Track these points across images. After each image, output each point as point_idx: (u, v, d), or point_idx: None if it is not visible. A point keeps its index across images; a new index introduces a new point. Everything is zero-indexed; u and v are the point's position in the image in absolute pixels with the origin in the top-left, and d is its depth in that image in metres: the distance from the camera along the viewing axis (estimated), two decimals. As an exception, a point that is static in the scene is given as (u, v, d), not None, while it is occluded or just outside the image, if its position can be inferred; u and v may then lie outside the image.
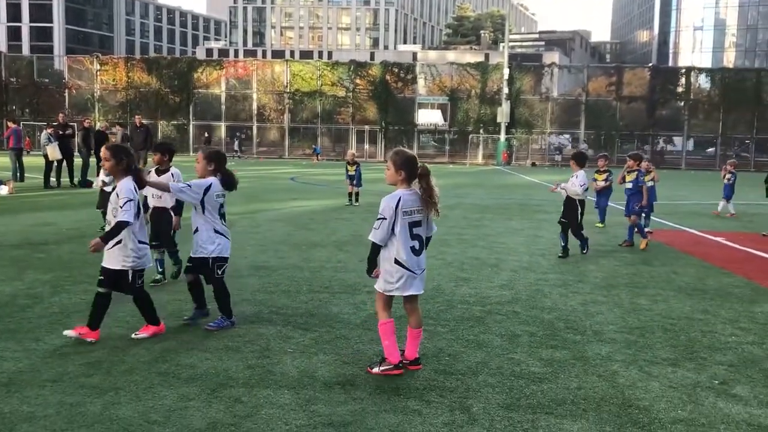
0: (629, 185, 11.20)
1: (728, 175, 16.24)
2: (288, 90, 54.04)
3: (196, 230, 5.79)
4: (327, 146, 55.88)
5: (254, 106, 55.04)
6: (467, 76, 53.28)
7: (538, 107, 52.90)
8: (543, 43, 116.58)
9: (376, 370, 4.71)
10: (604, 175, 13.45)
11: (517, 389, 4.49)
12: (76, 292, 6.87)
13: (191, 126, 54.45)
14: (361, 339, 5.53)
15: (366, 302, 6.72)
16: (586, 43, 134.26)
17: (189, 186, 5.68)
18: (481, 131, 51.82)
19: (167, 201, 7.20)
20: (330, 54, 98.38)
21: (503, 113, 47.71)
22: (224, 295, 5.80)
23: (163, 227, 7.32)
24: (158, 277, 7.45)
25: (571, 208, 9.94)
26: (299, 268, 8.42)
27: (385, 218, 4.60)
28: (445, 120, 53.15)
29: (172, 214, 7.33)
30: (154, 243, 6.99)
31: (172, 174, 7.23)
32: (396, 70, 54.14)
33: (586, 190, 10.08)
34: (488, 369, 4.88)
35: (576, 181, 9.89)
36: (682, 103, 52.88)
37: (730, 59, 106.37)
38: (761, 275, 8.83)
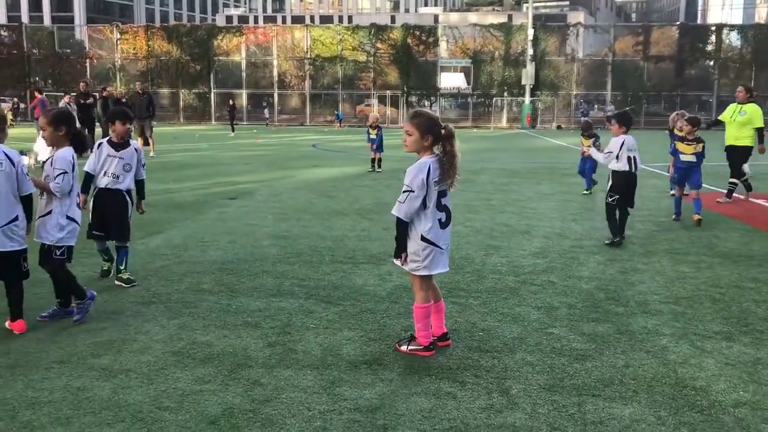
0: (691, 157, 9.25)
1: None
2: (308, 56, 53.36)
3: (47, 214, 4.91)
4: (348, 112, 55.30)
5: (275, 72, 54.49)
6: (490, 37, 52.12)
7: (563, 68, 51.66)
8: (567, 2, 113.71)
9: (404, 348, 4.37)
10: (590, 141, 12.44)
11: (559, 368, 4.13)
12: (90, 265, 6.59)
13: (212, 94, 54.11)
14: (388, 313, 5.19)
15: (392, 273, 6.37)
16: (611, 2, 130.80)
17: (65, 173, 4.84)
18: (505, 94, 50.85)
19: (126, 182, 5.88)
20: (350, 18, 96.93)
21: (528, 75, 46.69)
22: (68, 279, 5.05)
23: (115, 214, 5.86)
24: (106, 267, 6.18)
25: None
26: (321, 237, 8.09)
27: (412, 191, 4.10)
28: (468, 83, 52.18)
29: (127, 197, 5.93)
30: (96, 232, 5.87)
31: (135, 149, 5.96)
32: (417, 33, 53.12)
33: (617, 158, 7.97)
34: (526, 345, 4.52)
35: (609, 146, 8.10)
36: (712, 62, 51.34)
37: (761, 15, 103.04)
38: (810, 239, 8.32)
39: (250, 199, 11.45)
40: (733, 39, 52.12)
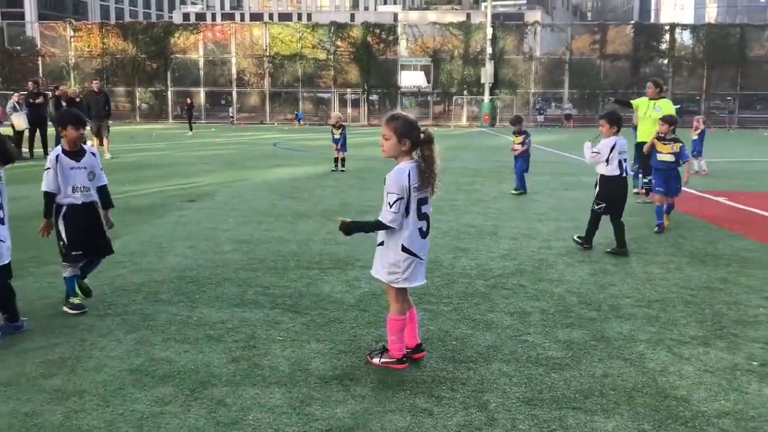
0: (668, 157, 8.68)
1: (697, 131, 15.73)
2: (268, 54, 52.77)
3: None
4: (309, 110, 54.88)
5: (233, 70, 53.74)
6: (450, 36, 52.28)
7: (521, 67, 52.08)
8: (525, 1, 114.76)
9: (376, 361, 4.18)
10: (521, 138, 12.57)
11: (537, 379, 3.99)
12: (41, 275, 6.25)
13: (170, 92, 53.13)
14: (357, 322, 4.99)
15: (360, 278, 6.18)
16: (567, 1, 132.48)
17: None
18: (465, 93, 51.02)
19: (93, 192, 5.38)
20: (309, 16, 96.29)
21: (487, 74, 46.91)
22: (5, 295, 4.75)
23: (98, 228, 5.44)
24: (85, 285, 5.55)
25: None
26: (285, 241, 7.85)
27: (401, 197, 3.86)
28: (428, 82, 52.24)
29: (100, 208, 5.49)
30: (77, 252, 5.27)
31: (93, 154, 5.42)
32: (377, 32, 52.96)
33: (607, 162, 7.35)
34: (502, 355, 4.38)
35: (598, 147, 7.47)
36: (666, 61, 52.33)
37: (711, 16, 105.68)
38: (773, 237, 8.38)
39: (210, 201, 11.13)
40: (686, 38, 53.25)
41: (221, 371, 4.07)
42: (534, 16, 74.64)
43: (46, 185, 5.19)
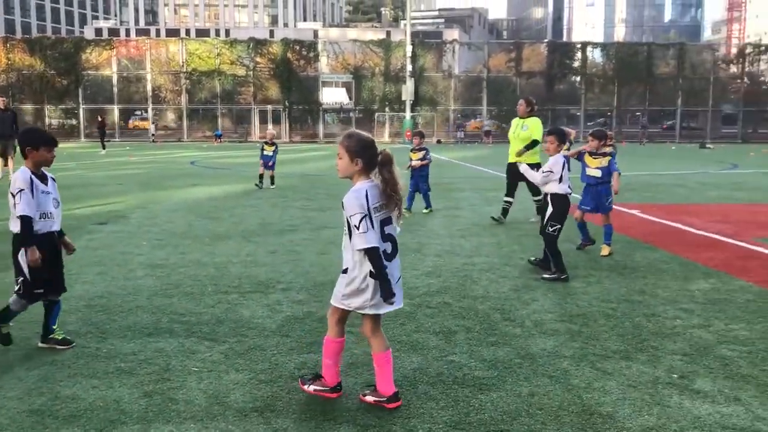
0: (596, 172, 8.40)
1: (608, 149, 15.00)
2: (185, 70, 51.73)
3: None
4: (228, 127, 54.04)
5: (149, 87, 52.39)
6: (370, 53, 52.71)
7: (441, 84, 53.03)
8: (443, 20, 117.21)
9: (308, 387, 3.99)
10: (420, 154, 11.95)
11: (464, 401, 3.91)
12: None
13: (81, 110, 51.28)
14: (279, 349, 4.80)
15: (282, 302, 5.98)
16: (484, 20, 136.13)
17: None
18: (387, 109, 51.47)
19: (57, 221, 4.86)
20: (228, 32, 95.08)
21: (407, 91, 47.40)
22: None
23: (59, 262, 4.96)
24: (5, 330, 4.82)
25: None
26: (203, 265, 7.55)
27: (365, 214, 3.63)
28: (350, 98, 52.39)
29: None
30: (37, 291, 4.72)
31: (53, 179, 4.87)
32: (298, 48, 52.86)
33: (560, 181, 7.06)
34: (427, 377, 4.28)
35: (548, 165, 7.07)
36: (579, 78, 54.35)
37: (619, 35, 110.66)
38: (684, 248, 8.68)
39: (123, 223, 10.66)
40: (597, 56, 55.50)
41: (132, 407, 3.80)
42: (452, 34, 76.20)
43: (22, 209, 4.51)
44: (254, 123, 52.54)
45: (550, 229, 7.05)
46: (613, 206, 8.63)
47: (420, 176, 11.99)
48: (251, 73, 52.29)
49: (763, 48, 56.08)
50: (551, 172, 6.96)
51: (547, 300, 6.15)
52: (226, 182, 17.84)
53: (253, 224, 10.55)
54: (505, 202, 10.92)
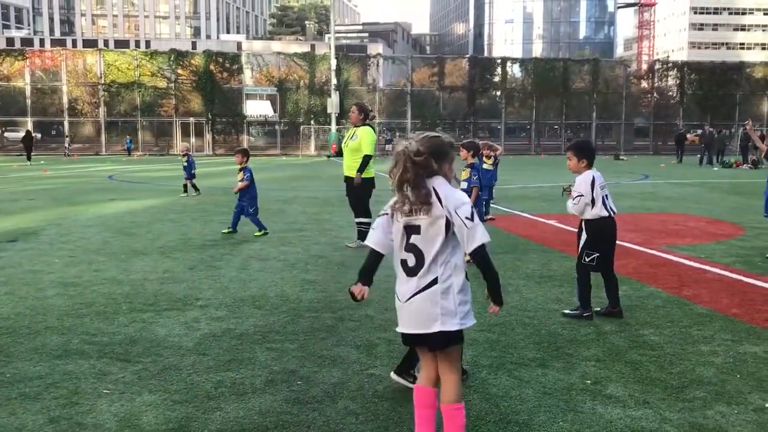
0: (464, 184, 8.42)
1: (490, 160, 13.40)
2: (102, 81, 50.19)
3: None
4: (149, 140, 52.69)
5: (65, 99, 50.56)
6: (295, 66, 52.58)
7: (366, 98, 53.17)
8: (367, 34, 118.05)
9: None
10: (243, 175, 10.77)
11: (384, 414, 3.90)
12: None
13: (-10, 122, 48.95)
14: (196, 368, 4.66)
15: (199, 319, 5.83)
16: (407, 34, 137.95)
17: None
18: (312, 122, 51.32)
19: None
20: (148, 43, 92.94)
21: (333, 104, 47.43)
22: None
23: None
24: None
25: None
26: (118, 282, 7.29)
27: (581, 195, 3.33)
28: (274, 111, 52.00)
29: None
30: None
31: None
32: (221, 60, 52.21)
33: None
34: (348, 391, 4.25)
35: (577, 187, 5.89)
36: (499, 92, 55.72)
37: (537, 50, 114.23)
38: (599, 257, 8.96)
39: (34, 240, 10.19)
40: (516, 71, 57.06)
41: (36, 435, 3.61)
42: (376, 48, 76.80)
43: None
44: (176, 136, 51.40)
45: (587, 259, 5.89)
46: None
47: (248, 197, 10.76)
48: (173, 85, 51.24)
49: (670, 64, 59.01)
50: (581, 195, 5.76)
51: (468, 310, 6.22)
52: (145, 197, 17.35)
53: (172, 239, 10.28)
54: (358, 224, 9.82)
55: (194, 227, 11.64)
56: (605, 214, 5.78)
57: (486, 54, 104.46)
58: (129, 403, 4.04)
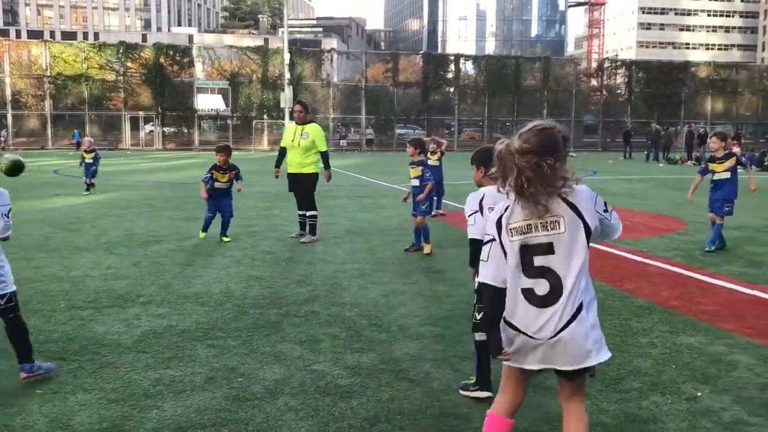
0: (414, 182, 8.92)
1: (435, 155, 13.09)
2: (48, 74, 48.76)
3: None
4: (97, 134, 51.41)
5: (8, 91, 48.94)
6: (247, 60, 51.92)
7: (320, 93, 53.00)
8: (321, 29, 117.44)
9: None
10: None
11: (325, 410, 3.87)
12: None
13: (-74, 116, 47.15)
14: (134, 365, 4.56)
15: (140, 316, 5.71)
16: (362, 30, 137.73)
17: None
18: (265, 117, 50.81)
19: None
20: (96, 35, 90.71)
21: (286, 98, 47.01)
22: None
23: None
24: None
25: None
26: (57, 279, 7.09)
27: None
28: (227, 105, 51.31)
29: None
30: None
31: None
32: (171, 53, 51.14)
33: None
34: (289, 387, 4.21)
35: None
36: (453, 89, 56.04)
37: (490, 48, 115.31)
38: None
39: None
40: (469, 68, 57.49)
41: (-39, 438, 3.49)
42: (330, 43, 76.55)
43: None
44: (125, 130, 50.32)
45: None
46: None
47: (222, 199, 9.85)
48: (122, 78, 50.10)
49: (619, 63, 60.22)
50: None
51: (415, 304, 6.25)
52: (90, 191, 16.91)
53: (117, 235, 10.05)
54: (308, 217, 9.88)
55: (139, 223, 11.40)
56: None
57: (440, 50, 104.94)
58: (62, 403, 3.92)
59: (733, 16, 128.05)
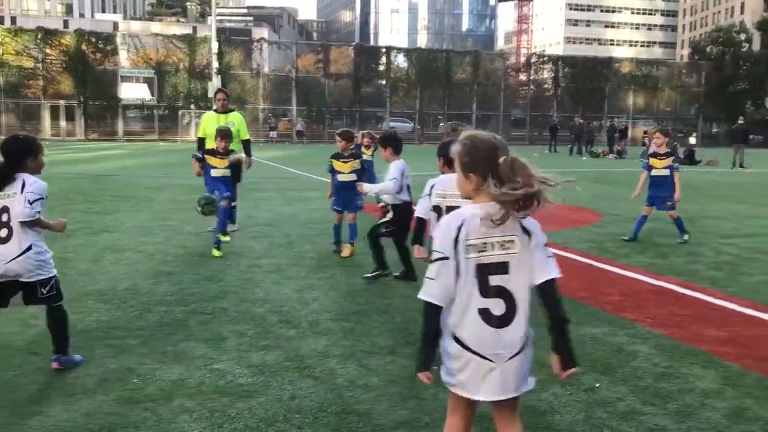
0: (348, 176, 8.30)
1: (370, 150, 12.75)
2: (-42, 59, 46.35)
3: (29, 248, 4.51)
4: (14, 124, 49.17)
5: None
6: (174, 49, 50.64)
7: (249, 83, 52.24)
8: (252, 18, 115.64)
9: None
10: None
11: (221, 411, 3.75)
12: None
13: None
14: (23, 369, 4.33)
15: (37, 316, 5.40)
16: (293, 20, 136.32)
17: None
18: (193, 107, 49.69)
19: None
20: (14, 19, 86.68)
21: (214, 88, 46.01)
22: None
23: None
24: None
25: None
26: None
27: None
28: (152, 95, 49.91)
29: None
30: None
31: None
32: (94, 40, 49.43)
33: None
34: (186, 388, 4.06)
35: (392, 173, 7.03)
36: (384, 81, 56.12)
37: (422, 41, 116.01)
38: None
39: None
40: (401, 60, 57.67)
41: None
42: (261, 33, 75.43)
43: None
44: (45, 119, 48.34)
45: (385, 230, 7.08)
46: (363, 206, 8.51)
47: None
48: (40, 65, 48.05)
49: (546, 58, 61.56)
50: (395, 179, 6.97)
51: (328, 299, 6.17)
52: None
53: (22, 230, 9.57)
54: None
55: (52, 216, 10.87)
56: (408, 198, 7.01)
57: (372, 42, 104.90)
58: (-64, 412, 3.68)
59: (654, 14, 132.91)
